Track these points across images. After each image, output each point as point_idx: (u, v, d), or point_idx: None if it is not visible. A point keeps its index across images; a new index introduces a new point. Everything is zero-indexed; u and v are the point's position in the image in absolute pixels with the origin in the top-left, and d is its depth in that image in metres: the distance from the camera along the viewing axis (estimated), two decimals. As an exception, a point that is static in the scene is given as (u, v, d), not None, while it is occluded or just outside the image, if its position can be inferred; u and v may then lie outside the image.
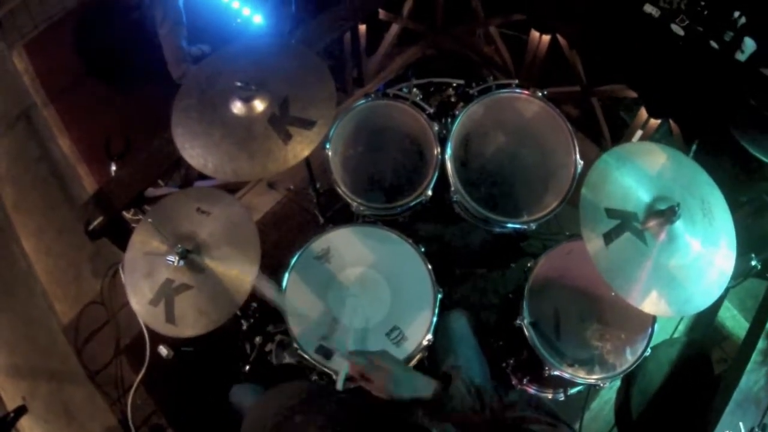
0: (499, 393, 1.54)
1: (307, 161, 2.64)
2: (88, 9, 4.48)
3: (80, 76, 4.28)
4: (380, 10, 3.32)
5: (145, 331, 3.05)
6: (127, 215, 2.99)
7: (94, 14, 4.46)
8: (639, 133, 3.16)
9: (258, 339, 2.76)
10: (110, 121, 4.03)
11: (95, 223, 2.72)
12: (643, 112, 3.04)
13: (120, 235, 2.78)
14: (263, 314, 2.77)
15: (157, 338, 3.06)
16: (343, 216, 2.82)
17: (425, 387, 1.58)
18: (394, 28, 3.58)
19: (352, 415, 1.50)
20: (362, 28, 3.30)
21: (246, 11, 3.87)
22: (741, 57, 2.70)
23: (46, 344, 3.42)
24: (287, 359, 2.66)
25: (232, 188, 3.47)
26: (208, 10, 4.01)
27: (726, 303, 3.17)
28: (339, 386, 1.69)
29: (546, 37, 3.16)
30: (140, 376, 3.06)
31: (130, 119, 3.99)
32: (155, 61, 3.95)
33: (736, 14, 2.61)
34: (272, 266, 2.31)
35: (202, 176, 3.07)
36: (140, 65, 4.13)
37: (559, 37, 3.15)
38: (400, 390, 1.57)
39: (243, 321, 2.73)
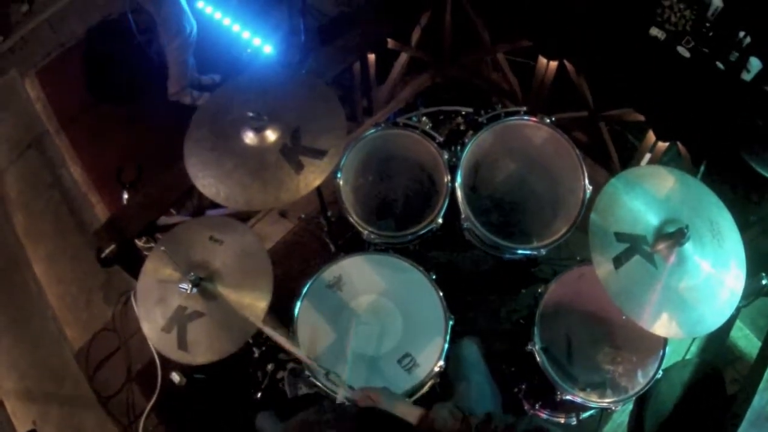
0: (488, 416, 1.63)
1: (319, 190, 2.64)
2: (98, 35, 4.51)
3: (92, 103, 4.29)
4: (389, 40, 3.35)
5: (156, 358, 3.05)
6: (140, 243, 3.00)
7: (105, 40, 4.48)
8: (647, 156, 3.16)
9: (270, 366, 2.76)
10: (122, 148, 4.04)
11: (107, 251, 2.75)
12: (651, 136, 3.05)
13: (132, 262, 2.80)
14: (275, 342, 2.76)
15: (168, 365, 3.06)
16: (354, 244, 2.84)
17: (408, 415, 1.75)
18: (403, 57, 3.60)
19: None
20: (371, 57, 3.34)
21: (256, 41, 3.92)
22: (747, 77, 2.71)
23: (57, 369, 3.42)
24: (303, 389, 2.67)
25: (243, 217, 3.47)
26: (218, 40, 4.06)
27: (738, 323, 3.15)
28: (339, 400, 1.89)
29: (553, 63, 3.18)
30: (151, 402, 3.06)
31: (142, 146, 4.00)
32: (161, 89, 3.98)
33: (741, 34, 2.63)
34: (284, 295, 2.30)
35: (214, 205, 3.10)
36: (151, 91, 4.14)
37: (566, 62, 3.17)
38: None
39: (255, 348, 2.74)
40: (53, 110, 4.35)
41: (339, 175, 2.50)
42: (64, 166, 4.12)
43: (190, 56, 3.85)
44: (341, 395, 1.94)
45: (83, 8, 4.62)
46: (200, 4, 3.97)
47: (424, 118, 2.70)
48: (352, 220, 2.49)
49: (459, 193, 2.45)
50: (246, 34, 3.93)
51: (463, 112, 2.92)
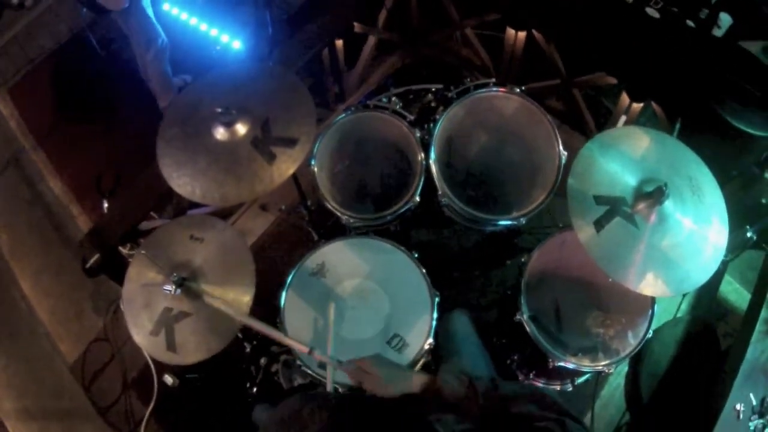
0: (494, 383, 1.57)
1: (296, 180, 2.65)
2: (67, 48, 4.50)
3: (66, 116, 4.29)
4: (355, 24, 3.33)
5: (150, 363, 3.06)
6: (124, 250, 2.99)
7: (74, 52, 4.47)
8: (623, 118, 3.16)
9: (263, 360, 2.76)
10: (100, 158, 4.03)
11: (92, 260, 2.73)
12: (624, 98, 3.05)
13: (118, 270, 2.78)
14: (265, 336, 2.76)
15: (162, 368, 3.06)
16: (337, 231, 2.82)
17: (414, 382, 1.67)
18: (371, 40, 3.59)
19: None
20: (339, 43, 3.32)
21: (225, 38, 3.89)
22: (718, 33, 2.71)
23: (53, 385, 3.43)
24: (298, 380, 2.67)
25: (225, 214, 3.49)
26: (186, 41, 4.02)
27: (727, 277, 3.17)
28: (329, 388, 1.82)
29: (522, 34, 3.17)
30: (150, 408, 3.06)
31: (119, 154, 3.98)
32: (138, 93, 3.97)
33: (710, -10, 2.62)
34: (271, 288, 2.31)
35: (195, 205, 3.09)
36: (124, 99, 4.15)
37: (534, 32, 3.16)
38: (389, 388, 1.65)
39: (246, 344, 2.74)
40: (28, 127, 4.34)
41: (313, 163, 2.49)
42: (43, 181, 4.12)
43: (167, 65, 3.82)
44: (330, 382, 1.93)
45: (50, 23, 4.57)
46: (166, 6, 3.93)
47: (394, 98, 2.68)
48: (329, 206, 2.48)
49: (434, 170, 2.44)
50: (214, 32, 3.90)
51: (433, 89, 2.90)
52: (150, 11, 3.51)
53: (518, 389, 1.57)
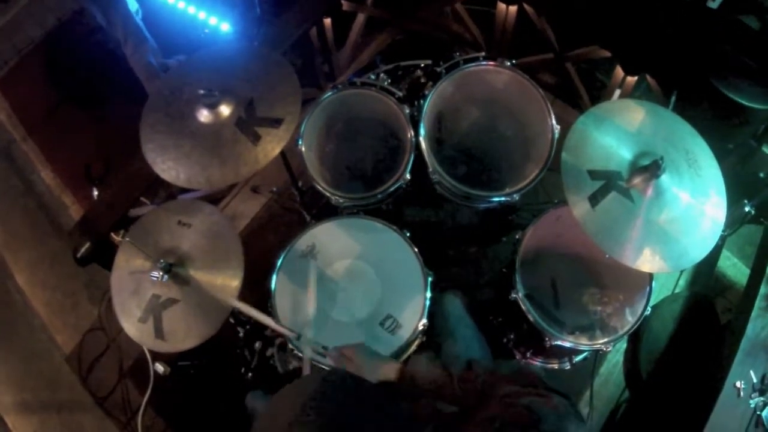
0: (488, 366, 1.58)
1: (286, 161, 2.62)
2: (53, 38, 4.47)
3: (55, 106, 4.25)
4: (343, 1, 3.28)
5: (146, 351, 3.03)
6: (117, 238, 2.96)
7: (61, 42, 4.44)
8: (617, 92, 3.12)
9: (258, 344, 2.74)
10: (90, 146, 4.00)
11: (83, 249, 2.71)
12: (619, 71, 3.00)
13: (110, 259, 2.76)
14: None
15: (158, 356, 3.03)
16: (329, 211, 2.77)
17: (386, 369, 1.71)
18: (360, 18, 3.53)
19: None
20: (327, 22, 3.26)
21: (213, 20, 3.84)
22: (713, 4, 2.67)
23: (51, 377, 3.41)
24: (293, 364, 2.64)
25: (217, 198, 3.46)
26: (174, 25, 3.98)
27: (725, 252, 3.14)
28: (306, 371, 1.84)
29: (513, 8, 3.11)
30: (146, 396, 3.04)
31: (109, 141, 3.94)
32: (125, 80, 3.92)
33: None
34: (263, 271, 2.27)
35: (184, 190, 3.06)
36: (112, 86, 4.10)
37: (525, 5, 3.11)
38: (366, 376, 1.65)
39: (239, 328, 2.71)
40: (18, 118, 4.30)
41: (300, 142, 2.44)
42: (35, 172, 4.10)
43: (150, 56, 3.78)
44: (308, 355, 1.91)
45: (36, 13, 4.53)
46: (152, -11, 3.88)
47: (382, 75, 2.64)
48: (318, 186, 2.44)
49: (424, 146, 2.40)
50: (202, 15, 3.85)
51: (422, 65, 2.86)
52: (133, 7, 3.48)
53: (494, 366, 1.56)
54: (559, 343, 2.21)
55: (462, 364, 1.61)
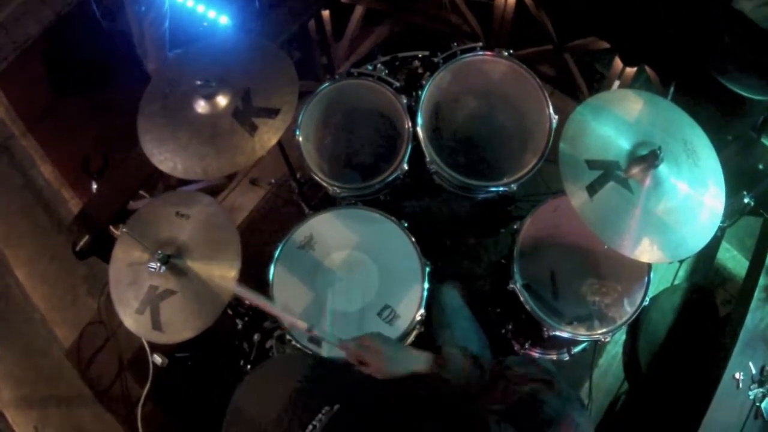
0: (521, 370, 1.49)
1: (284, 153, 2.61)
2: (54, 31, 4.47)
3: (54, 101, 4.27)
4: (341, -6, 3.29)
5: (145, 344, 3.04)
6: (116, 231, 2.96)
7: (62, 35, 4.46)
8: (616, 83, 3.12)
9: (256, 336, 2.73)
10: (88, 141, 4.01)
11: (82, 243, 2.72)
12: (618, 62, 3.01)
13: (109, 252, 2.76)
14: (257, 311, 2.73)
15: (157, 348, 3.04)
16: (328, 203, 2.77)
17: (419, 360, 1.59)
18: (359, 10, 3.53)
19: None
20: (326, 14, 3.27)
21: (211, 14, 3.83)
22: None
23: (50, 371, 3.43)
24: (292, 355, 2.64)
25: (215, 190, 3.46)
26: (172, 17, 3.96)
27: (725, 244, 3.14)
28: None
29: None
30: (146, 389, 3.04)
31: (111, 134, 3.93)
32: (126, 74, 3.92)
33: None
34: (262, 262, 2.27)
35: (184, 182, 3.06)
36: (112, 80, 4.13)
37: (523, -4, 3.11)
38: (395, 368, 1.57)
39: (238, 320, 2.71)
40: (17, 113, 4.32)
41: (297, 132, 2.44)
42: (34, 166, 4.12)
43: (165, 30, 3.74)
44: (326, 346, 1.89)
45: (35, 8, 4.54)
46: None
47: (379, 66, 2.63)
48: (316, 177, 2.43)
49: (421, 136, 2.39)
50: (200, 8, 3.84)
51: (420, 56, 2.85)
52: None
53: (525, 370, 1.53)
54: (557, 333, 2.21)
55: (489, 359, 1.56)
